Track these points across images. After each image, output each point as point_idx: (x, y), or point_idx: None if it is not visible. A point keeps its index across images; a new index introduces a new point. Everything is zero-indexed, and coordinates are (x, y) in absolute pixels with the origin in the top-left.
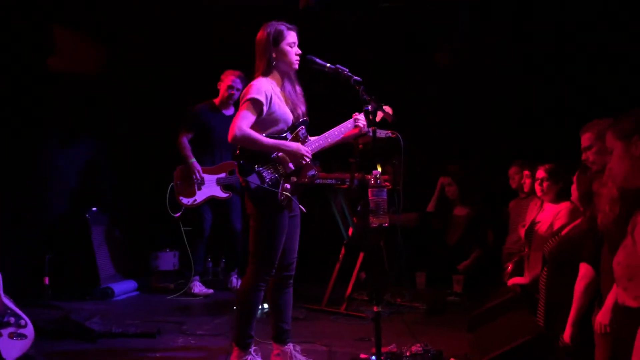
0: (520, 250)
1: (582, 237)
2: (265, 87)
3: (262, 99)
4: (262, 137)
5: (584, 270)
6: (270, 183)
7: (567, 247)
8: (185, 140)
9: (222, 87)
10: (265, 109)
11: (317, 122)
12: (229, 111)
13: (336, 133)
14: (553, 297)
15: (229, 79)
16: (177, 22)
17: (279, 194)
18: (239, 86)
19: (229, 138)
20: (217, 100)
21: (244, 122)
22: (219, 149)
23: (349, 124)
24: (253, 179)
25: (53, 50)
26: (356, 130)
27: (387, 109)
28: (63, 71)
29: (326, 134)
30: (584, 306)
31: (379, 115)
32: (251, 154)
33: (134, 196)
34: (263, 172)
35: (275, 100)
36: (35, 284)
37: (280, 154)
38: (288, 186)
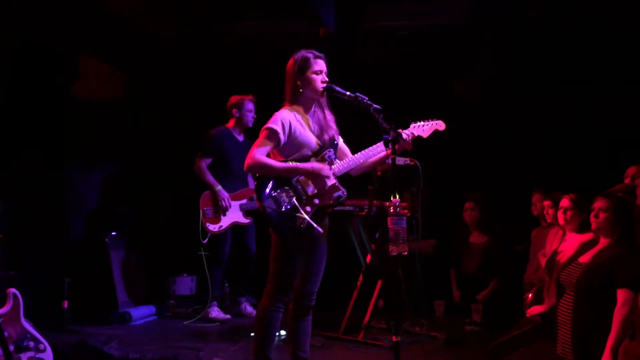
0: (540, 280)
1: (613, 264)
2: (283, 116)
3: (278, 128)
4: (275, 163)
5: (625, 297)
6: (287, 207)
7: (597, 275)
8: (204, 166)
9: (239, 111)
10: (282, 137)
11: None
12: (241, 137)
13: (371, 152)
14: (581, 325)
15: (245, 103)
16: (199, 50)
17: (298, 218)
18: (253, 108)
19: (245, 167)
20: (230, 125)
21: (258, 151)
22: (236, 175)
23: (381, 145)
24: (269, 204)
25: (77, 77)
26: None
27: (439, 123)
28: (86, 97)
29: (357, 155)
30: (624, 333)
31: (429, 129)
32: (270, 179)
33: (152, 221)
34: (280, 197)
35: (297, 127)
36: (54, 307)
37: (301, 177)
38: (309, 209)
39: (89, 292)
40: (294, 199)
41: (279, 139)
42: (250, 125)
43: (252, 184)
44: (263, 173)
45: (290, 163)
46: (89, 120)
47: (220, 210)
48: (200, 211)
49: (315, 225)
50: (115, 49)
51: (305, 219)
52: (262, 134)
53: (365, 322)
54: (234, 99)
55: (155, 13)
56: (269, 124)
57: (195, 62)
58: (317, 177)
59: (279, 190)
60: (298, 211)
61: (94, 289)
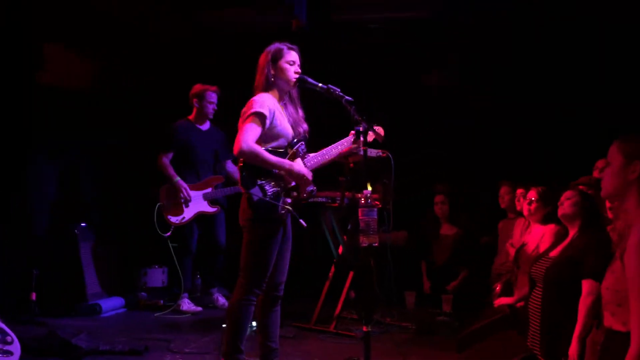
0: (508, 271)
1: (581, 256)
2: (268, 101)
3: (266, 112)
4: (266, 154)
5: (589, 287)
6: (272, 196)
7: (566, 267)
8: (166, 161)
9: (200, 102)
10: (268, 122)
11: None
12: (204, 126)
13: (334, 150)
14: (549, 318)
15: (207, 94)
16: (169, 41)
17: (280, 207)
18: (215, 100)
19: (235, 151)
20: (192, 117)
21: (249, 135)
22: (201, 165)
23: (346, 141)
24: (255, 192)
25: (42, 65)
26: (353, 146)
27: (379, 129)
28: (52, 86)
29: (324, 150)
30: (589, 323)
31: (370, 135)
32: (254, 167)
33: (123, 212)
34: (265, 185)
35: (278, 115)
36: (22, 299)
37: (282, 171)
38: (289, 200)
39: (58, 284)
40: (277, 189)
41: (265, 124)
42: (211, 116)
43: (232, 167)
44: (252, 160)
45: (279, 157)
46: (57, 110)
47: (180, 202)
48: (161, 204)
49: (297, 216)
50: (83, 36)
51: (288, 209)
52: (250, 118)
53: (336, 313)
54: (197, 88)
55: None
56: (257, 109)
57: (164, 51)
58: (297, 178)
59: (263, 179)
60: (281, 201)
61: (62, 280)
